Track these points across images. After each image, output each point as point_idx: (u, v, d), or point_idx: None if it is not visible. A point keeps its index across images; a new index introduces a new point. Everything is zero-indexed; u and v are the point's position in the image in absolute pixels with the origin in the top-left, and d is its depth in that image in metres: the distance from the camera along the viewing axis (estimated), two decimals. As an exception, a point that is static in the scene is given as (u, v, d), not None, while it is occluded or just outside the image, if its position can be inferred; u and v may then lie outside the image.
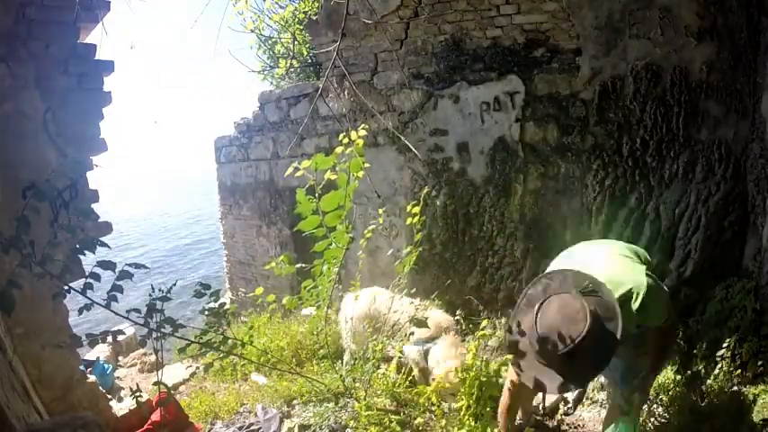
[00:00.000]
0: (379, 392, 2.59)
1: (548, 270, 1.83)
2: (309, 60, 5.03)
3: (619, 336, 1.50)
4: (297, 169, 1.83)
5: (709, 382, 2.49)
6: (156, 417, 2.43)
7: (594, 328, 1.46)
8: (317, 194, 1.80)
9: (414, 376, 2.72)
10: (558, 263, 1.90)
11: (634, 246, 1.97)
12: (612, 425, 1.84)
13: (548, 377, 1.54)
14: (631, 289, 1.63)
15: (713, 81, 2.86)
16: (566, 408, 2.62)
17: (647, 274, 1.67)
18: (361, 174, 1.84)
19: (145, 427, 2.47)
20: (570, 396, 2.61)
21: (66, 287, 1.60)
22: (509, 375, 1.94)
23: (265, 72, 5.63)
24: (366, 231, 2.63)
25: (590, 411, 2.65)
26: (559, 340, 1.48)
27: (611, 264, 1.74)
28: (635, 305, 1.60)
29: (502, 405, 1.99)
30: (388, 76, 3.91)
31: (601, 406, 2.62)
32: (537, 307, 1.57)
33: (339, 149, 1.88)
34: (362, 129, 2.00)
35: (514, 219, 3.53)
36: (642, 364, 1.84)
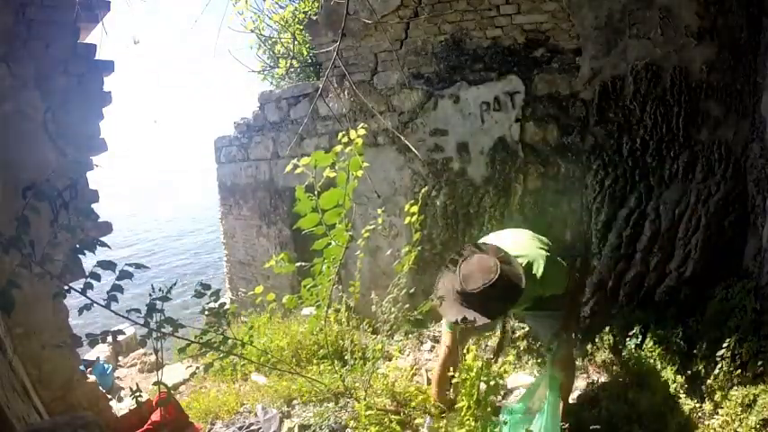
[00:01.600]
0: (379, 392, 2.59)
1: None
2: (309, 60, 5.04)
3: (522, 286, 1.95)
4: (296, 167, 1.83)
5: (709, 382, 2.48)
6: (156, 417, 2.43)
7: (502, 277, 1.92)
8: (316, 192, 1.80)
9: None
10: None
11: (538, 235, 2.38)
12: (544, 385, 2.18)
13: (469, 314, 1.96)
14: (531, 262, 2.10)
15: (713, 81, 2.86)
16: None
17: (546, 252, 2.17)
18: (360, 173, 1.84)
19: (145, 427, 2.47)
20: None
21: (66, 287, 1.60)
22: (442, 342, 2.44)
23: (265, 72, 5.63)
24: (364, 231, 2.63)
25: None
26: (474, 282, 1.93)
27: (518, 242, 2.24)
28: (538, 272, 2.07)
29: (436, 373, 2.41)
30: (388, 76, 3.91)
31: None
32: (460, 261, 2.03)
33: (338, 148, 1.88)
34: (362, 128, 2.00)
35: (515, 219, 3.53)
36: (557, 325, 2.28)
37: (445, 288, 2.06)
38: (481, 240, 2.35)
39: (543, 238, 2.37)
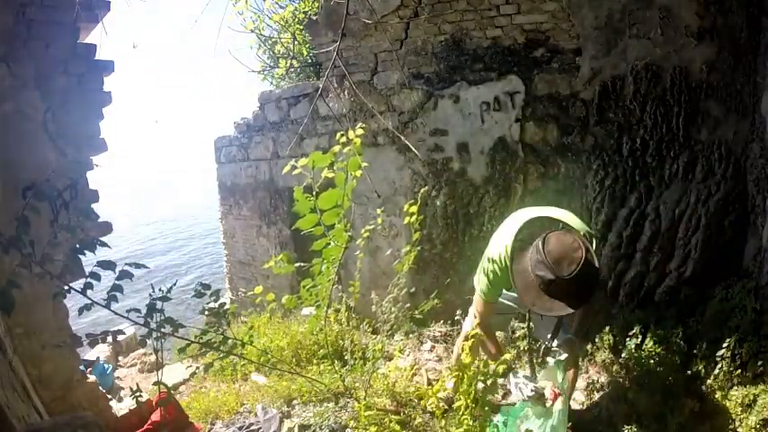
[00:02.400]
0: (379, 392, 2.59)
1: (515, 224, 2.01)
2: (309, 60, 5.03)
3: (597, 264, 1.77)
4: (294, 167, 1.82)
5: (709, 382, 2.49)
6: (156, 417, 2.43)
7: (587, 255, 1.71)
8: (314, 192, 1.80)
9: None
10: (510, 224, 2.10)
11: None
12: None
13: (557, 305, 1.77)
14: (586, 233, 1.91)
15: (713, 81, 2.86)
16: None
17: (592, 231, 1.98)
18: (359, 173, 1.84)
19: (145, 427, 2.47)
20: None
21: (66, 287, 1.60)
22: (473, 310, 2.29)
23: (265, 72, 5.63)
24: (364, 231, 2.63)
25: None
26: (569, 266, 1.69)
27: (572, 219, 2.00)
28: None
29: (482, 339, 2.21)
30: (388, 76, 3.91)
31: None
32: (541, 243, 1.77)
33: (336, 148, 1.88)
34: (360, 128, 2.00)
35: (514, 219, 3.53)
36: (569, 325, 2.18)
37: (525, 274, 1.84)
38: (532, 212, 2.10)
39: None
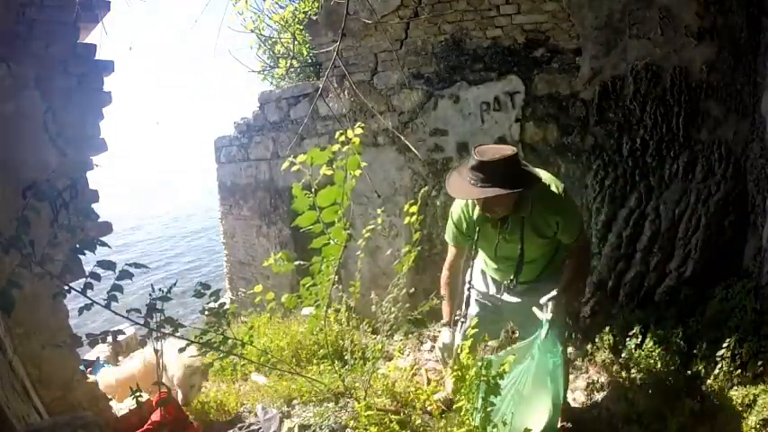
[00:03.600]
0: (379, 392, 2.59)
1: None
2: (309, 60, 5.03)
3: (542, 178, 1.90)
4: (293, 165, 1.82)
5: (709, 382, 2.48)
6: (156, 417, 2.43)
7: (520, 157, 1.87)
8: (313, 189, 1.79)
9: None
10: None
11: None
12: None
13: (484, 189, 1.83)
14: (550, 183, 1.98)
15: (713, 81, 2.86)
16: None
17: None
18: (358, 172, 1.84)
19: (145, 427, 2.46)
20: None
21: (66, 287, 1.60)
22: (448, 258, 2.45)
23: (265, 72, 5.62)
24: (365, 231, 2.63)
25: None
26: (492, 154, 1.83)
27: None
28: (558, 189, 1.98)
29: (443, 279, 2.47)
30: (388, 76, 3.91)
31: None
32: (473, 150, 1.89)
33: (335, 147, 1.87)
34: (359, 127, 1.99)
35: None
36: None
37: (458, 175, 1.93)
38: None
39: None
